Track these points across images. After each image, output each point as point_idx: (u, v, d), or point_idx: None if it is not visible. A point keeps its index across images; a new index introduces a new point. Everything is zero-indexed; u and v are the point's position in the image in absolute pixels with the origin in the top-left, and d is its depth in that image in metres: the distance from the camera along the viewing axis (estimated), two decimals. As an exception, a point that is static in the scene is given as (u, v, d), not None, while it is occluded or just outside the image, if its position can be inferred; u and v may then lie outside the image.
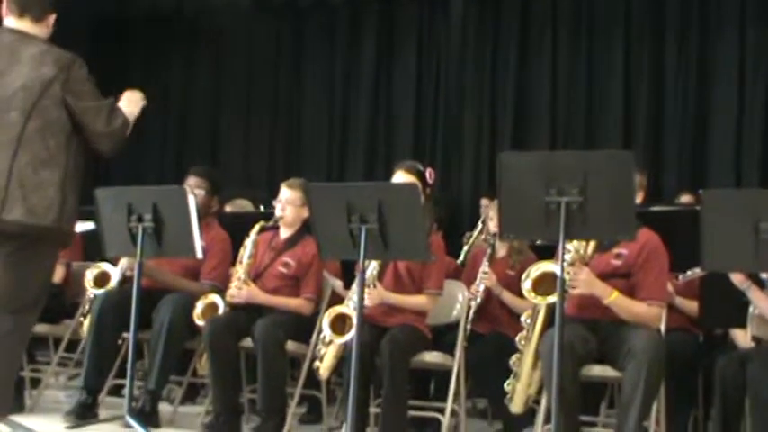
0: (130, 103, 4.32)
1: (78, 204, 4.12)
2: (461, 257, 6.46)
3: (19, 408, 5.16)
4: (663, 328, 4.44)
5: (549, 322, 4.25)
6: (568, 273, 4.06)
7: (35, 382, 5.74)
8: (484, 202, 8.19)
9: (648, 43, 8.66)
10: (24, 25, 4.06)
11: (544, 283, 4.30)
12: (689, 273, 4.75)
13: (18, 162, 3.85)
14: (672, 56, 8.59)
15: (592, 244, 4.28)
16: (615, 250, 4.33)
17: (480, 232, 7.01)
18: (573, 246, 4.20)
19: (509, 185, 3.95)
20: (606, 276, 4.24)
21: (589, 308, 4.26)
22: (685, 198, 6.68)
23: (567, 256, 4.08)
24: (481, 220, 7.30)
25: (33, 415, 5.12)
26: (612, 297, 4.19)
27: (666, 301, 4.49)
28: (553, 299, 4.10)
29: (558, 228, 3.80)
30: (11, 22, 4.10)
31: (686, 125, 8.45)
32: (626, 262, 4.29)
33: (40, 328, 5.54)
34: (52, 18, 4.16)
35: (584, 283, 4.14)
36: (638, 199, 4.32)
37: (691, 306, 5.01)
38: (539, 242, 5.52)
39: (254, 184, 9.53)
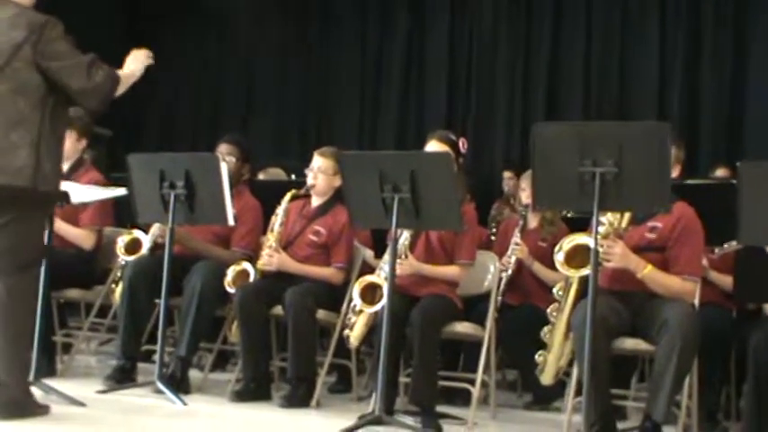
0: (135, 60, 4.28)
1: (59, 166, 4.07)
2: (492, 231, 6.45)
3: (50, 372, 5.21)
4: (697, 302, 4.40)
5: (581, 294, 4.22)
6: (602, 245, 4.02)
7: (67, 348, 5.78)
8: (506, 174, 8.17)
9: (684, 15, 8.56)
10: None
11: (577, 256, 4.27)
12: (725, 246, 4.70)
13: None
14: (707, 27, 8.51)
15: (626, 217, 4.24)
16: (650, 223, 4.28)
17: (503, 205, 7.00)
18: (607, 218, 4.16)
19: (543, 156, 3.93)
20: (640, 250, 4.19)
21: (622, 280, 4.22)
22: (720, 172, 6.61)
23: (601, 229, 4.04)
24: (506, 194, 7.29)
25: (65, 379, 5.15)
26: (646, 271, 4.14)
27: (701, 276, 4.44)
28: (586, 271, 4.07)
29: (593, 199, 3.77)
30: None
31: (722, 97, 8.36)
32: (660, 235, 4.24)
33: (72, 294, 5.60)
34: None
35: (619, 256, 4.09)
36: (675, 173, 4.27)
37: (724, 280, 4.96)
38: (570, 214, 5.49)
39: (287, 152, 9.53)
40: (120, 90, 4.14)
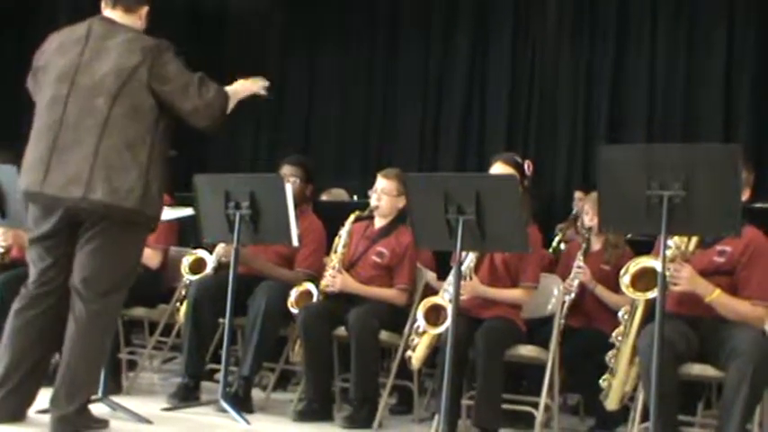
0: (251, 82, 4.43)
1: (163, 190, 4.13)
2: (551, 248, 6.41)
3: (117, 389, 5.26)
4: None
5: (647, 318, 4.17)
6: (669, 269, 3.97)
7: (131, 365, 5.84)
8: (577, 194, 8.09)
9: (752, 36, 8.45)
10: (116, 15, 4.15)
11: (643, 279, 4.23)
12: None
13: (103, 145, 3.90)
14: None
15: (693, 240, 4.18)
16: (718, 247, 4.22)
17: (570, 225, 6.94)
18: (674, 241, 4.11)
19: (609, 179, 3.89)
20: (709, 274, 4.14)
21: (690, 304, 4.16)
22: (789, 195, 6.48)
23: (668, 252, 3.99)
24: (573, 213, 7.22)
25: (130, 397, 5.20)
26: (714, 295, 4.08)
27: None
28: (653, 294, 4.02)
29: (660, 222, 3.73)
30: (105, 11, 4.19)
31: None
32: (729, 259, 4.18)
33: (137, 312, 5.64)
34: (144, 10, 4.22)
35: (686, 280, 4.05)
36: (744, 196, 4.20)
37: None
38: (634, 237, 5.43)
39: (348, 173, 9.55)
40: (229, 107, 4.23)
